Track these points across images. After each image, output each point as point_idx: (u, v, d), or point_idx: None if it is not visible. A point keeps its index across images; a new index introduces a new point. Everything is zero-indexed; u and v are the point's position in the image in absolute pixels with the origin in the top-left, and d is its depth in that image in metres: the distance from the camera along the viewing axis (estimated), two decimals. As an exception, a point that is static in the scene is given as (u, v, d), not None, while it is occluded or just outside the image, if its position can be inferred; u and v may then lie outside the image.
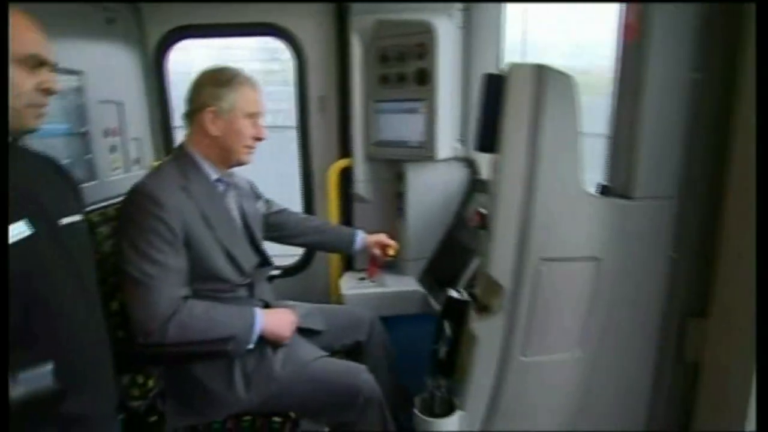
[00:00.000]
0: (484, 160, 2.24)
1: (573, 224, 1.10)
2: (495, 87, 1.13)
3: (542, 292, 1.12)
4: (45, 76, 1.10)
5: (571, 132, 1.07)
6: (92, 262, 1.33)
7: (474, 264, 1.92)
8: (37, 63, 1.09)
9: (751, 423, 0.97)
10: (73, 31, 1.82)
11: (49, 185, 1.23)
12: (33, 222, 1.11)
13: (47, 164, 1.30)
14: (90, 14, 1.95)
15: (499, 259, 1.12)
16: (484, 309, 1.23)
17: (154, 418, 1.67)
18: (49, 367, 0.83)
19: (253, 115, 1.64)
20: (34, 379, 0.81)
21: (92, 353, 1.25)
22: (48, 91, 1.11)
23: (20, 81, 1.06)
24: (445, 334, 1.44)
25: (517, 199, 1.09)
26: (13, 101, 1.06)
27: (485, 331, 1.16)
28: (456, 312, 1.41)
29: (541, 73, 1.08)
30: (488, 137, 1.15)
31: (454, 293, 1.43)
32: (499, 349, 1.17)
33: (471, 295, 1.27)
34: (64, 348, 1.16)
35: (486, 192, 2.07)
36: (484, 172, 2.25)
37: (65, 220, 1.21)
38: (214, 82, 1.59)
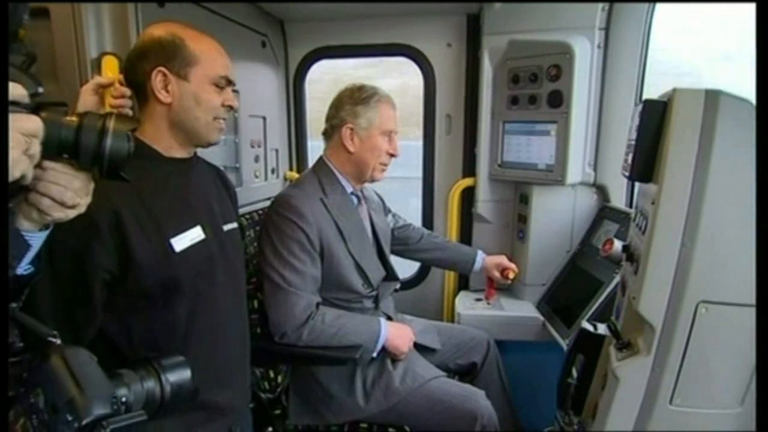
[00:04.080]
0: (615, 187, 2.13)
1: (740, 267, 1.00)
2: (655, 114, 1.07)
3: (699, 337, 1.02)
4: (229, 95, 1.26)
5: (746, 166, 0.97)
6: (243, 265, 1.46)
7: (602, 295, 1.81)
8: (225, 83, 1.24)
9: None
10: (236, 53, 2.04)
11: (218, 194, 1.39)
12: (205, 228, 1.25)
13: (217, 174, 1.46)
14: (248, 38, 2.17)
15: (651, 298, 1.04)
16: (626, 347, 1.16)
17: (278, 411, 1.79)
18: (188, 371, 0.94)
19: (389, 132, 1.72)
20: (179, 377, 0.92)
21: (236, 349, 1.38)
22: (230, 108, 1.27)
23: (213, 98, 1.22)
24: (576, 368, 1.38)
25: (677, 236, 1.01)
26: (205, 115, 1.22)
27: (629, 372, 1.08)
28: (589, 346, 1.35)
29: (713, 99, 1.00)
30: (645, 166, 1.09)
31: (588, 326, 1.36)
32: (644, 394, 1.08)
33: (611, 330, 1.20)
34: (217, 343, 1.29)
35: (619, 221, 1.96)
36: (615, 200, 2.13)
37: (227, 227, 1.36)
38: (354, 100, 1.70)
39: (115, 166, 0.77)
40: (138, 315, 1.16)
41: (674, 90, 1.04)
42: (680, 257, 1.02)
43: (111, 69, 1.28)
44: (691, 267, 1.01)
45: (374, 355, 1.61)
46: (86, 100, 1.18)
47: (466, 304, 2.25)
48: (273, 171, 2.44)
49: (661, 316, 1.04)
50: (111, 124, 0.75)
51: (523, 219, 2.25)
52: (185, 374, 0.96)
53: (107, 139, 0.74)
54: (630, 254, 1.23)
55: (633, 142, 1.13)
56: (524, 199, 2.24)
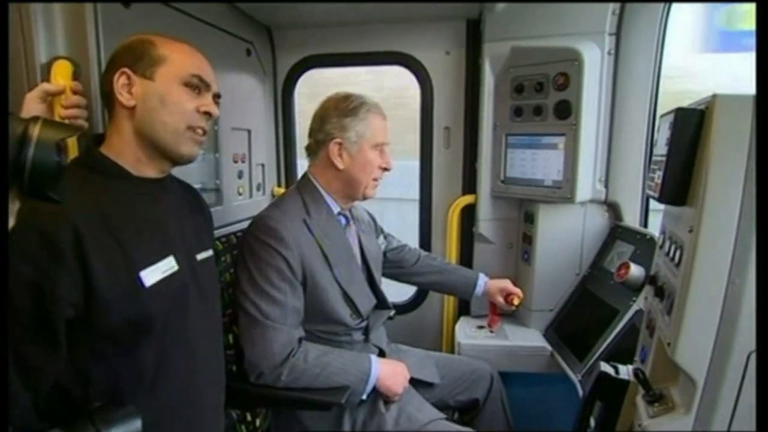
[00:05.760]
0: (628, 204, 1.97)
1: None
2: (691, 125, 0.91)
3: (751, 393, 0.85)
4: (205, 100, 1.11)
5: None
6: (218, 297, 1.30)
7: (617, 326, 1.64)
8: (199, 85, 1.09)
9: None
10: (218, 61, 1.88)
11: (193, 220, 1.23)
12: (178, 258, 1.09)
13: (192, 196, 1.31)
14: (232, 46, 2.02)
15: (691, 346, 0.87)
16: (657, 399, 0.98)
17: (256, 457, 1.60)
18: (138, 422, 0.82)
19: (381, 145, 1.55)
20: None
21: (209, 394, 1.21)
22: (207, 114, 1.11)
23: (182, 100, 1.07)
24: (594, 417, 1.20)
25: (723, 271, 0.84)
26: (174, 121, 1.06)
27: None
28: (610, 393, 1.17)
29: (762, 107, 0.83)
30: (679, 187, 0.93)
31: (608, 369, 1.18)
32: (683, 457, 0.91)
33: (638, 378, 1.02)
34: (188, 388, 1.12)
35: (633, 242, 1.79)
36: (628, 218, 1.96)
37: (201, 255, 1.20)
38: (340, 112, 1.51)
39: (41, 182, 0.62)
40: (98, 359, 0.99)
41: (714, 96, 0.88)
42: (727, 296, 0.84)
43: (62, 75, 1.12)
44: (742, 308, 0.83)
45: (363, 398, 1.42)
46: (31, 110, 1.03)
47: (467, 332, 2.07)
48: (259, 187, 2.27)
49: (704, 367, 0.87)
50: (35, 130, 0.61)
51: (528, 239, 2.08)
52: (132, 427, 0.82)
53: (29, 149, 0.61)
54: (659, 288, 1.06)
55: (662, 158, 0.97)
56: (529, 218, 2.06)
